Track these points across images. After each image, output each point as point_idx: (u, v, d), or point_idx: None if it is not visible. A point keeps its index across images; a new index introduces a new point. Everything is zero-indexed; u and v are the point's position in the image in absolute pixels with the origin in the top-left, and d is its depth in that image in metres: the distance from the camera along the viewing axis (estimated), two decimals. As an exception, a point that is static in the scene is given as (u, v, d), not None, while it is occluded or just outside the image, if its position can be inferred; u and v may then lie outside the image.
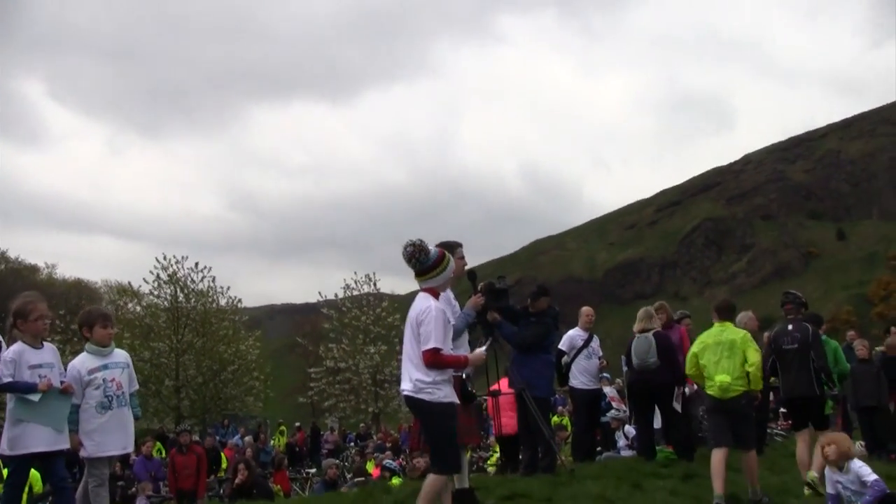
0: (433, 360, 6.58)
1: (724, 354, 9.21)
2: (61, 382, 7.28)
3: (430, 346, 6.58)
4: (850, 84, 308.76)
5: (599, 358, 12.46)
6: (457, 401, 6.85)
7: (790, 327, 10.10)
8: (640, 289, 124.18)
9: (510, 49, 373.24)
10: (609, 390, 12.09)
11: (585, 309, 12.83)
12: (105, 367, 7.67)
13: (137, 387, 8.15)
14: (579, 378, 12.21)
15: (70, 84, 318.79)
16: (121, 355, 7.92)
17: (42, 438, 7.10)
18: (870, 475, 7.53)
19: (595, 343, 12.46)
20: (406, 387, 6.75)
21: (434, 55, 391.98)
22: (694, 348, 9.64)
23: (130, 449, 8.02)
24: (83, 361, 7.67)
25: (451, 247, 8.04)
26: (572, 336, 12.39)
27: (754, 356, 9.11)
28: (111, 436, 7.60)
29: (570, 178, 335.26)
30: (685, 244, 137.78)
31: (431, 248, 6.93)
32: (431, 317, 6.65)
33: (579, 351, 12.21)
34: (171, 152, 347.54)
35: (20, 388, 7.04)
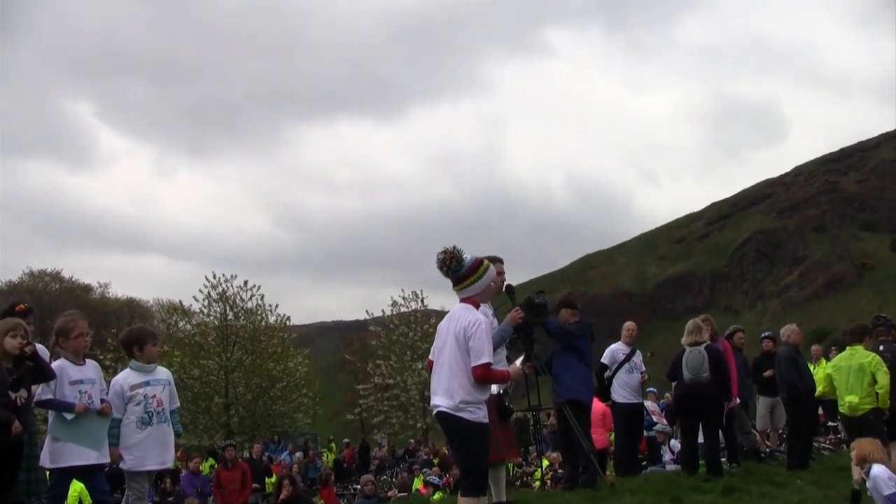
0: (485, 375, 6.44)
1: (853, 376, 10.36)
2: (102, 401, 7.45)
3: (483, 360, 6.40)
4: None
5: (642, 373, 12.44)
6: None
7: (881, 348, 10.78)
8: (690, 303, 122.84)
9: (556, 63, 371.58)
10: (650, 404, 12.04)
11: (628, 324, 12.86)
12: (147, 383, 7.86)
13: (178, 404, 8.32)
14: (620, 392, 12.21)
15: (118, 104, 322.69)
16: (163, 373, 8.11)
17: (80, 453, 7.26)
18: (888, 488, 7.29)
19: (637, 357, 12.46)
20: (444, 403, 6.54)
21: (480, 70, 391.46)
22: (828, 369, 11.03)
23: (169, 465, 8.16)
24: (126, 377, 7.88)
25: (490, 262, 8.08)
26: (614, 350, 12.41)
27: (883, 378, 10.14)
28: (150, 451, 7.78)
29: (619, 192, 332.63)
30: (736, 257, 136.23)
31: (468, 255, 6.76)
32: (482, 330, 6.47)
33: (621, 365, 12.23)
34: (217, 171, 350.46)
35: (58, 406, 7.21)
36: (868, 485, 7.58)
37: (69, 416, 7.18)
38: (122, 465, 7.73)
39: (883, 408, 10.13)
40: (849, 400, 10.32)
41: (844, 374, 10.47)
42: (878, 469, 7.50)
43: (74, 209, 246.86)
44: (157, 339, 8.25)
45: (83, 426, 7.25)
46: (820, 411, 15.18)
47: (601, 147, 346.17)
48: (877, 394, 10.14)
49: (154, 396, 7.84)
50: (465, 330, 6.49)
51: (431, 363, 6.89)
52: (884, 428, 10.03)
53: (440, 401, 6.58)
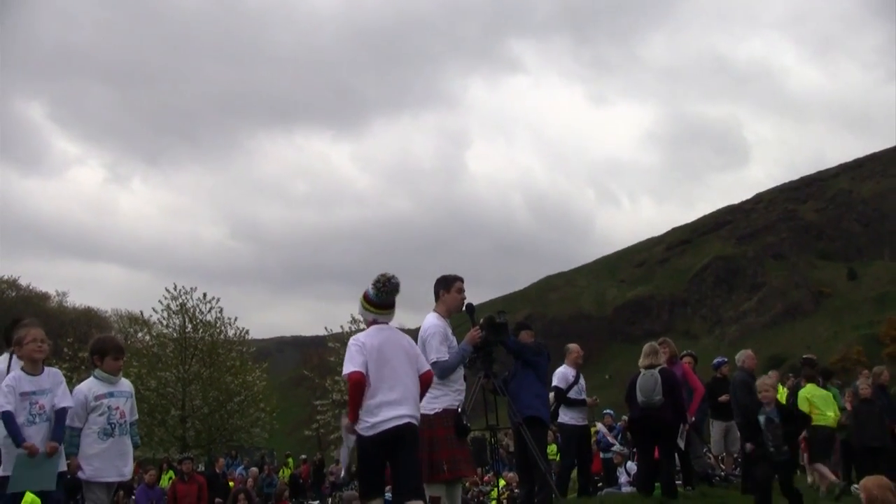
0: (431, 380, 7.05)
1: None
2: (61, 411, 7.28)
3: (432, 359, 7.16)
4: (861, 120, 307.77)
5: (594, 398, 12.38)
6: None
7: None
8: (649, 326, 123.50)
9: (520, 77, 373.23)
10: (601, 426, 12.01)
11: (573, 346, 12.71)
12: (111, 394, 7.81)
13: (137, 417, 8.24)
14: (569, 414, 12.17)
15: (72, 107, 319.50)
16: (126, 385, 8.06)
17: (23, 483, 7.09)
18: None
19: (581, 381, 12.39)
20: (413, 413, 6.72)
21: (443, 82, 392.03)
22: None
23: (128, 476, 8.06)
24: (90, 387, 7.80)
25: (449, 280, 8.16)
26: (564, 373, 12.28)
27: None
28: (110, 462, 7.72)
29: (579, 212, 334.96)
30: (695, 282, 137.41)
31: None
32: (419, 342, 7.09)
33: (570, 387, 12.14)
34: (173, 179, 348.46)
35: (11, 429, 7.05)
36: None
37: (12, 445, 7.03)
38: (80, 475, 7.63)
39: None
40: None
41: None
42: None
43: (24, 214, 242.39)
44: (121, 354, 8.15)
45: (31, 467, 7.09)
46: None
47: (562, 165, 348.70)
48: None
49: (118, 408, 7.78)
50: (409, 344, 7.00)
51: (361, 375, 6.71)
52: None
53: (408, 411, 6.69)
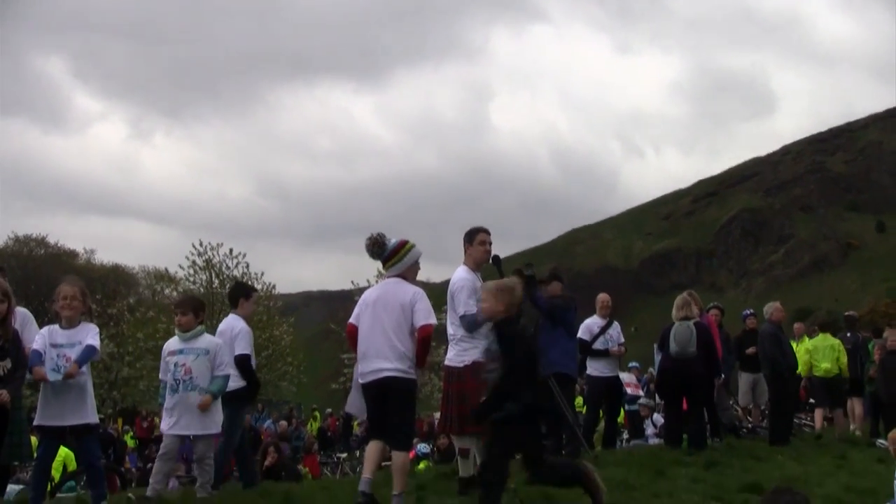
0: (431, 335, 7.13)
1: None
2: (88, 346, 7.30)
3: (433, 321, 7.13)
4: (890, 69, 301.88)
5: (620, 344, 12.24)
6: None
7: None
8: (676, 279, 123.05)
9: (544, 26, 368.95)
10: (625, 376, 11.81)
11: (601, 296, 12.63)
12: (181, 351, 8.08)
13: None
14: (594, 366, 12.13)
15: (93, 63, 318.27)
16: (204, 341, 8.19)
17: (49, 415, 7.21)
18: None
19: (614, 330, 12.25)
20: (394, 366, 7.03)
21: (465, 33, 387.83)
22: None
23: (191, 432, 8.08)
24: (168, 344, 8.28)
25: (473, 233, 8.17)
26: (589, 324, 12.19)
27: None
28: (175, 417, 7.99)
29: (605, 164, 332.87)
30: (722, 235, 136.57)
31: (393, 239, 7.36)
32: (425, 297, 7.17)
33: (595, 338, 12.06)
34: (197, 135, 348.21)
35: (32, 360, 7.12)
36: None
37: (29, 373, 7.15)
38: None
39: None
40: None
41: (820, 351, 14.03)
42: None
43: (48, 171, 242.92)
44: (182, 309, 8.42)
45: (51, 389, 7.17)
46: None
47: (587, 118, 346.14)
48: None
49: (183, 365, 7.98)
50: (411, 298, 7.13)
51: (354, 327, 7.37)
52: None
53: (388, 364, 7.04)
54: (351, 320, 7.43)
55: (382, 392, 7.09)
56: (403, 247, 7.34)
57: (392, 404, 7.09)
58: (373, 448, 7.27)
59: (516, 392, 6.26)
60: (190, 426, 8.00)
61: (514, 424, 6.24)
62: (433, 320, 7.12)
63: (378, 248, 7.26)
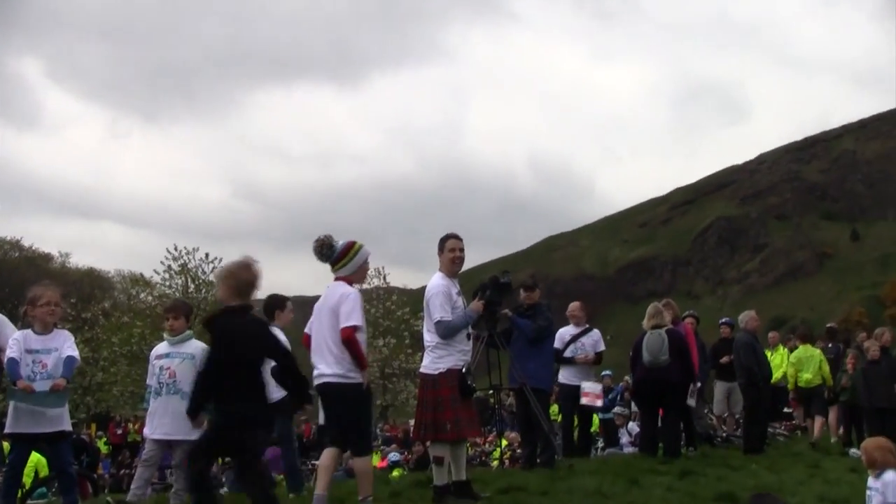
0: (351, 336, 6.90)
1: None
2: (68, 358, 7.30)
3: (352, 322, 6.92)
4: (866, 76, 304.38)
5: (597, 353, 12.14)
6: None
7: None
8: (652, 287, 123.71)
9: (522, 30, 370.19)
10: (588, 385, 11.60)
11: (572, 305, 12.57)
12: (168, 355, 8.02)
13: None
14: (563, 373, 12.11)
15: (69, 64, 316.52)
16: (192, 347, 8.11)
17: (27, 422, 7.17)
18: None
19: (588, 338, 12.17)
20: (329, 371, 6.99)
21: (443, 36, 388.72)
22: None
23: (174, 437, 7.99)
24: (157, 348, 8.26)
25: (444, 239, 8.15)
26: (562, 333, 12.15)
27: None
28: (158, 420, 7.92)
29: (582, 171, 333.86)
30: (698, 243, 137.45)
31: (340, 241, 7.28)
32: (353, 299, 7.03)
33: (566, 346, 12.03)
34: (173, 137, 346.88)
35: (11, 371, 7.10)
36: (875, 486, 6.97)
37: (7, 379, 7.12)
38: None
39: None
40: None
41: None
42: (892, 475, 7.11)
43: (23, 173, 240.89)
44: (173, 313, 8.39)
45: (30, 397, 7.12)
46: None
47: (564, 123, 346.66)
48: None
49: (168, 368, 7.92)
50: (338, 300, 7.03)
51: (308, 338, 7.36)
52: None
53: (327, 370, 7.02)
54: (306, 329, 7.46)
55: (326, 398, 7.12)
56: (352, 248, 7.27)
57: (337, 409, 7.08)
58: (325, 458, 7.20)
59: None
60: (171, 431, 7.90)
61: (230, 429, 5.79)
62: (354, 321, 6.93)
63: (327, 249, 7.20)
